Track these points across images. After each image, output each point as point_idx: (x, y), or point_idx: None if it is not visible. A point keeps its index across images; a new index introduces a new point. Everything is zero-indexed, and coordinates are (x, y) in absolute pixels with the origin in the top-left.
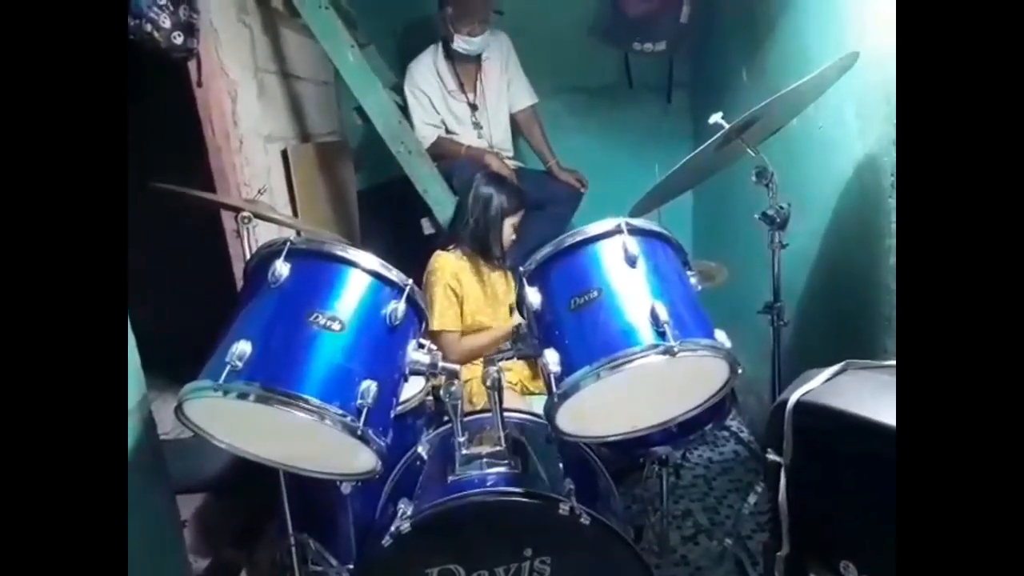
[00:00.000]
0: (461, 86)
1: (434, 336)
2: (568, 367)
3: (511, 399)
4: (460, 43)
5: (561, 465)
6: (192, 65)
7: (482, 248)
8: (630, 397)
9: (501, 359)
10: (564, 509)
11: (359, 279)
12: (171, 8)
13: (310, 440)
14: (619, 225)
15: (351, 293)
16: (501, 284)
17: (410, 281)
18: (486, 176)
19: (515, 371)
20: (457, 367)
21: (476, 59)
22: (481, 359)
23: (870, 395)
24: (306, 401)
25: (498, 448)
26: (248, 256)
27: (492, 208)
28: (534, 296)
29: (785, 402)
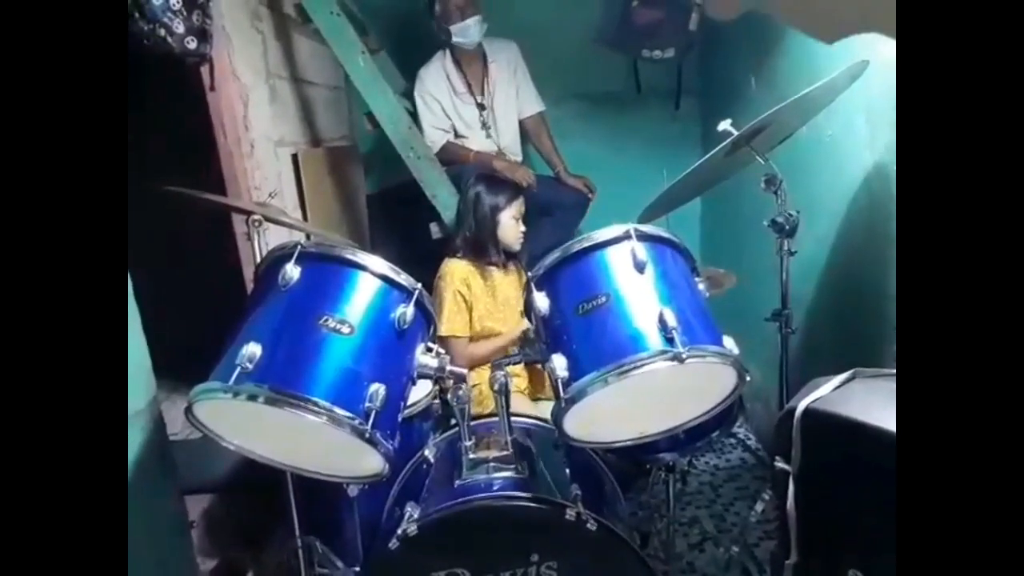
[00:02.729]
0: (469, 87)
1: (443, 342)
2: (576, 372)
3: (519, 404)
4: (457, 35)
5: (568, 470)
6: (205, 70)
7: (480, 251)
8: (637, 403)
9: (508, 364)
10: (570, 514)
11: (368, 283)
12: (184, 13)
13: (318, 442)
14: (628, 231)
15: (360, 297)
16: (513, 288)
17: (419, 285)
18: (475, 177)
19: (522, 377)
20: (464, 371)
21: (482, 60)
22: (489, 364)
23: (879, 403)
24: (315, 403)
25: (505, 452)
26: (258, 259)
27: (483, 205)
28: (542, 301)
29: (794, 410)
